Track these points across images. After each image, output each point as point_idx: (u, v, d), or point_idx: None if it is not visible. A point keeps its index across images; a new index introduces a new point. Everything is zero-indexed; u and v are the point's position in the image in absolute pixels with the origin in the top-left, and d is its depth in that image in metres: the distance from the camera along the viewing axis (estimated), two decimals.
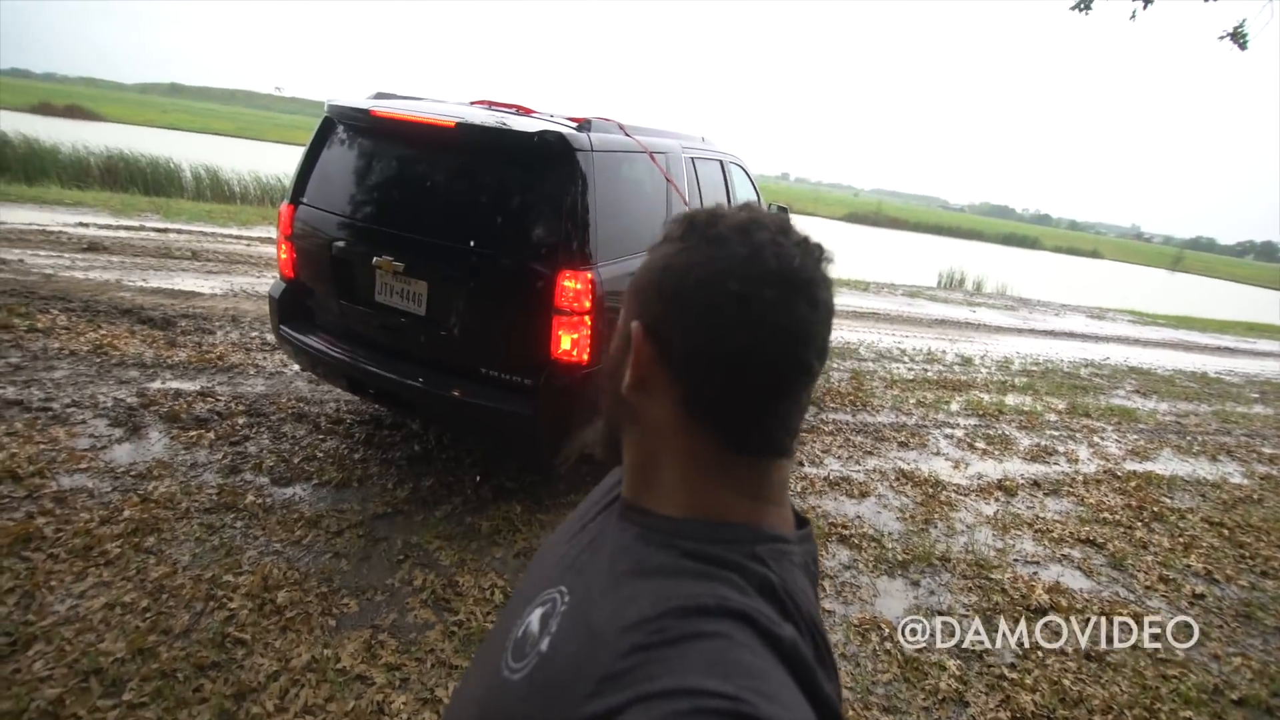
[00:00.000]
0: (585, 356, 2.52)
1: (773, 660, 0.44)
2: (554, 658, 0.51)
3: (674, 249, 0.55)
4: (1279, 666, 2.71)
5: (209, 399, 3.58)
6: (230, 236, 7.60)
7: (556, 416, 2.59)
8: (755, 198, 4.71)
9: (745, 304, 0.50)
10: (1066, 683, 2.41)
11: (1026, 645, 2.59)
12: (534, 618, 0.56)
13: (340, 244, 2.86)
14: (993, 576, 3.02)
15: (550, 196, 2.53)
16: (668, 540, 0.53)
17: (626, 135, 2.88)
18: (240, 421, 3.40)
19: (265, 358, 4.25)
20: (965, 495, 3.81)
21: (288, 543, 2.57)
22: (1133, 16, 5.99)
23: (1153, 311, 14.65)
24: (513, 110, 2.99)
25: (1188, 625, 2.88)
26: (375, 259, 2.72)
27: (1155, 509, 3.99)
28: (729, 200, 4.14)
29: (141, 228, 7.26)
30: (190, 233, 7.41)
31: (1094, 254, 62.37)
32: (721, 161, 4.11)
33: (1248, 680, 2.59)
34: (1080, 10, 6.08)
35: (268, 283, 5.86)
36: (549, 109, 3.09)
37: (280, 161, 15.05)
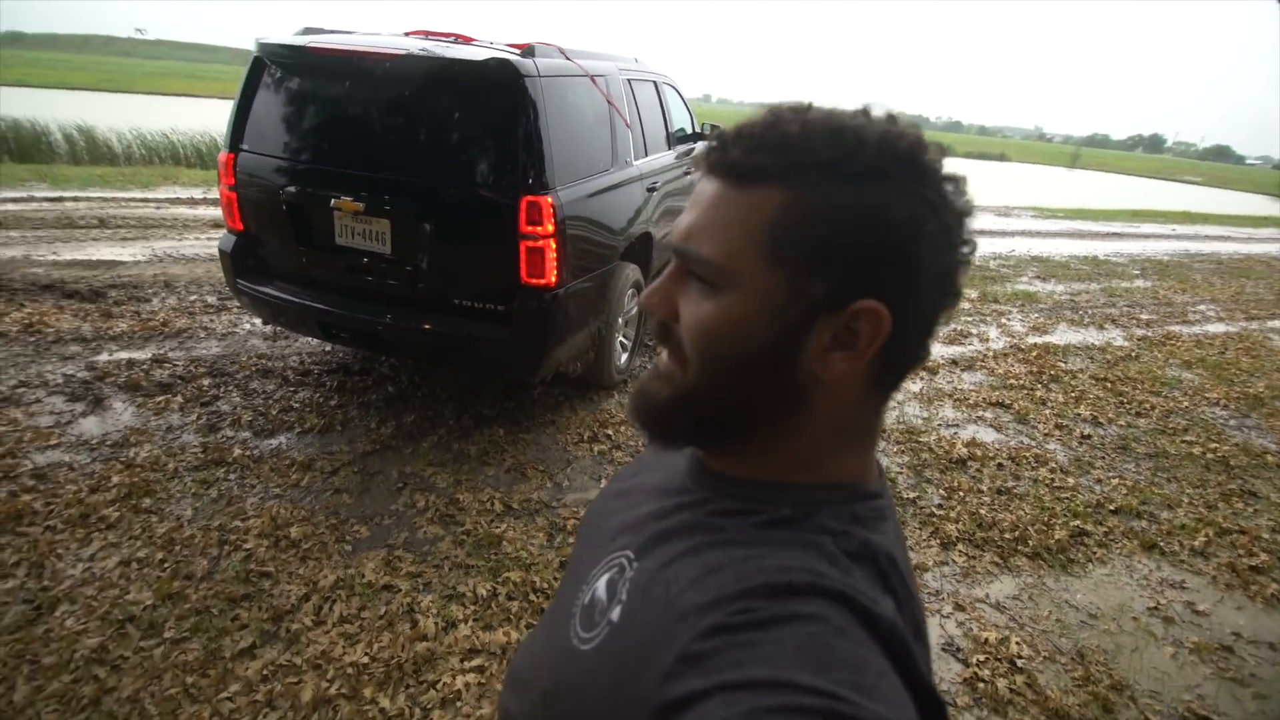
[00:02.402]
0: (554, 278, 2.69)
1: (870, 643, 0.39)
2: (627, 630, 0.47)
3: (849, 194, 0.44)
4: (1147, 483, 3.31)
5: (165, 365, 3.55)
6: (135, 200, 7.10)
7: (531, 337, 2.77)
8: (689, 117, 4.82)
9: (948, 236, 0.45)
10: (982, 512, 2.90)
11: (949, 489, 3.06)
12: (601, 583, 0.53)
13: (292, 189, 2.85)
14: (921, 439, 3.49)
15: (503, 125, 2.61)
16: (756, 506, 0.49)
17: (568, 60, 2.95)
18: (205, 383, 3.41)
19: (213, 320, 4.18)
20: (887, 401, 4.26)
21: (286, 486, 2.70)
22: None
23: (1053, 206, 15.71)
24: (451, 39, 2.98)
25: (1078, 460, 3.45)
26: (332, 201, 2.74)
27: (1052, 372, 4.59)
28: (665, 122, 4.24)
29: (30, 198, 6.68)
30: (89, 199, 6.87)
31: (1001, 157, 65.20)
32: (655, 83, 4.19)
33: (1123, 495, 3.17)
34: None
35: (191, 245, 5.62)
36: (482, 36, 3.09)
37: (163, 115, 13.74)
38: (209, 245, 5.59)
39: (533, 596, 2.23)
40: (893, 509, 0.52)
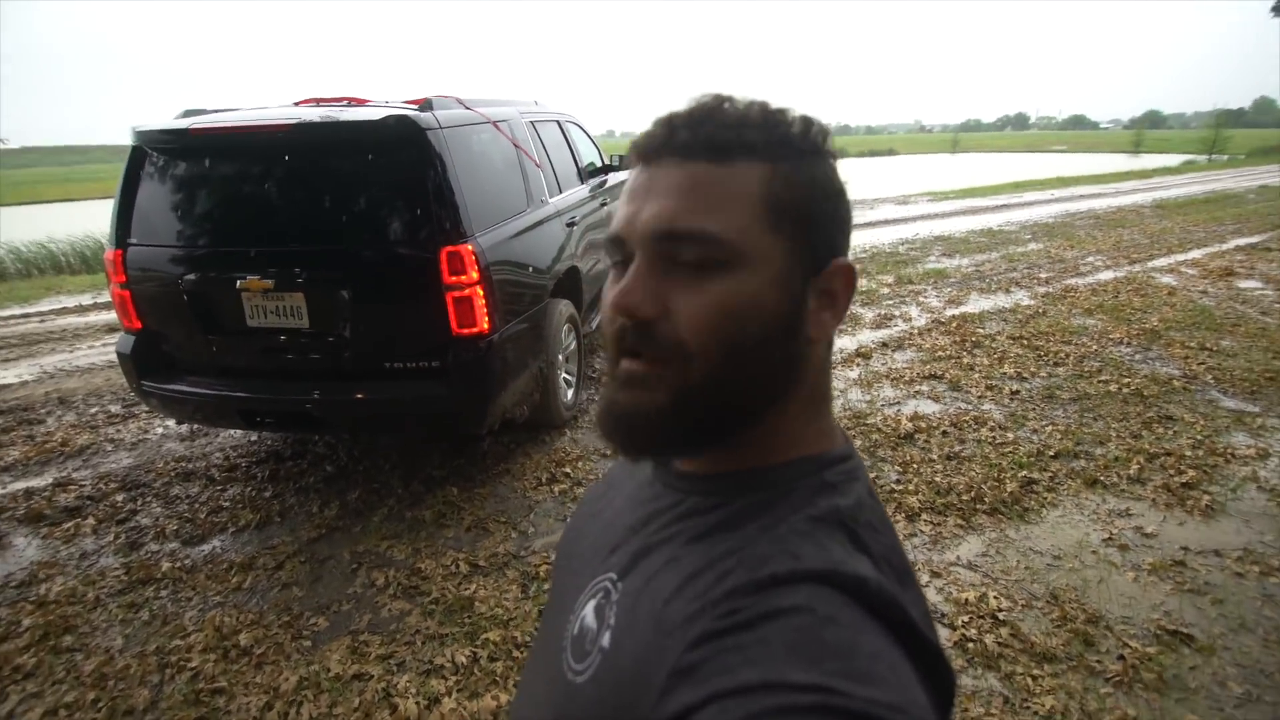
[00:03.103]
0: (486, 325, 2.65)
1: (861, 619, 0.39)
2: (619, 654, 0.46)
3: (809, 166, 0.48)
4: (1077, 425, 3.51)
5: (70, 487, 3.26)
6: (15, 317, 6.57)
7: (472, 388, 2.70)
8: (596, 151, 4.91)
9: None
10: (938, 480, 3.00)
11: (904, 463, 3.15)
12: (588, 611, 0.51)
13: (192, 277, 2.71)
14: (869, 422, 3.59)
15: (411, 180, 2.58)
16: (731, 498, 0.49)
17: (468, 109, 2.95)
18: (119, 499, 3.15)
19: (119, 430, 3.88)
20: (833, 368, 4.39)
21: (227, 591, 2.50)
22: None
23: (944, 190, 16.81)
24: (345, 103, 2.94)
25: (1012, 415, 3.63)
26: (239, 282, 2.63)
27: (974, 339, 4.84)
28: (574, 158, 4.30)
29: None
30: None
31: (890, 152, 69.57)
32: (559, 121, 4.25)
33: (1059, 440, 3.34)
34: None
35: (85, 355, 5.23)
36: (378, 98, 3.06)
37: (38, 224, 12.91)
38: (105, 351, 5.23)
39: (516, 654, 2.13)
40: (861, 465, 0.52)
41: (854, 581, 0.41)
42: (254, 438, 3.68)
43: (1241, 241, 8.66)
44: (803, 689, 0.35)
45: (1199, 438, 3.34)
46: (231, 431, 3.70)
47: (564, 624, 0.54)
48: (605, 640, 0.47)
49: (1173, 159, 33.49)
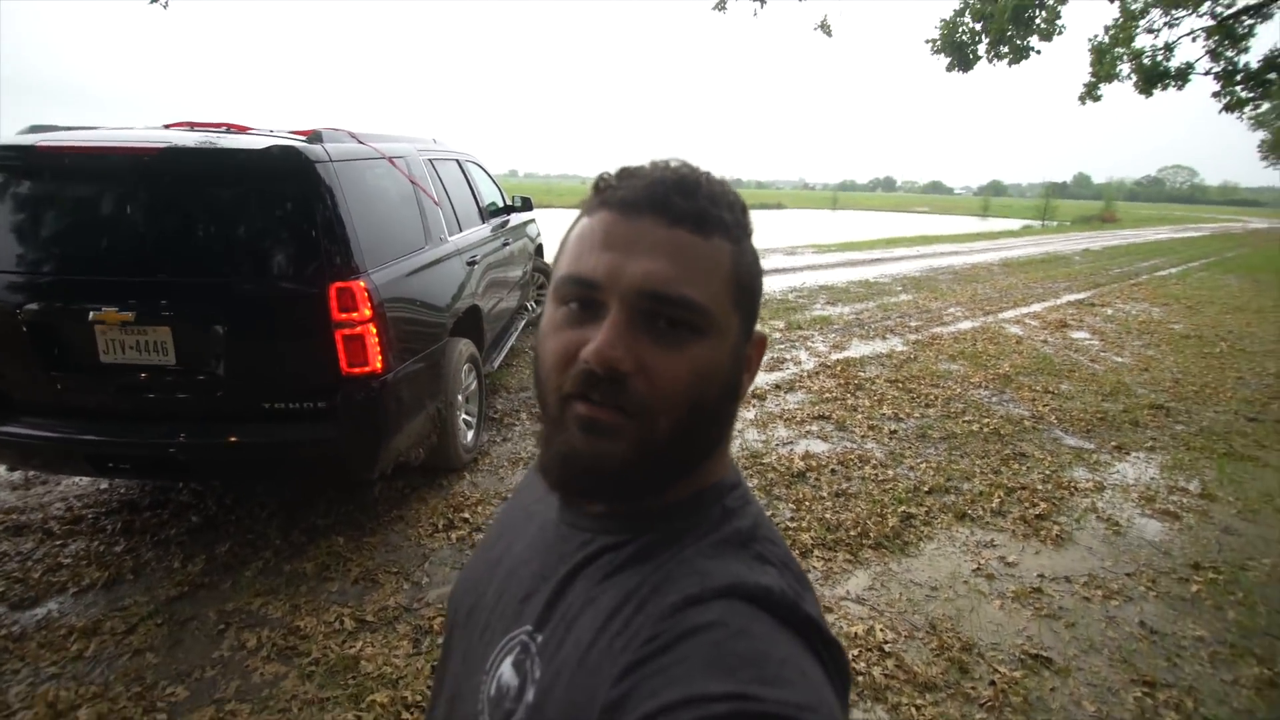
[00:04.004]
0: (379, 364, 2.53)
1: (771, 626, 0.42)
2: (547, 706, 0.45)
3: (750, 248, 0.53)
4: (947, 462, 3.84)
5: None
6: None
7: (363, 430, 2.55)
8: (497, 191, 4.89)
9: None
10: (828, 516, 3.16)
11: (797, 501, 3.30)
12: (505, 668, 0.50)
13: (34, 307, 2.41)
14: (765, 461, 3.73)
15: (298, 213, 2.45)
16: (640, 533, 0.51)
17: (360, 143, 2.87)
18: None
19: None
20: None
21: (65, 660, 2.17)
22: (755, 14, 7.99)
23: (826, 243, 18.11)
24: (223, 129, 2.76)
25: (892, 453, 3.91)
26: (92, 314, 2.36)
27: (856, 382, 5.20)
28: (475, 197, 4.26)
29: None
30: None
31: (779, 205, 74.54)
32: (458, 160, 4.21)
33: (932, 476, 3.64)
34: (719, 9, 7.96)
35: None
36: (261, 126, 2.91)
37: None
38: None
39: (405, 715, 1.99)
40: (749, 490, 0.57)
41: (760, 591, 0.44)
42: (104, 485, 3.26)
43: (1072, 297, 9.96)
44: (720, 698, 0.37)
45: (1047, 472, 3.74)
46: (75, 479, 3.27)
47: (477, 685, 0.52)
48: (530, 695, 0.47)
49: (1014, 223, 38.42)
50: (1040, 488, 3.55)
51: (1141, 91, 8.85)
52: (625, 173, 0.52)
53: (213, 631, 2.33)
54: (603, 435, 0.47)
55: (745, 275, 0.51)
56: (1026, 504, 3.37)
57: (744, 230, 0.52)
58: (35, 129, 2.71)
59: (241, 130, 2.79)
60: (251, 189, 2.47)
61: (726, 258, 0.50)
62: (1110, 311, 8.87)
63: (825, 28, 8.35)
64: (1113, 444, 4.20)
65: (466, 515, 3.08)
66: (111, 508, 3.09)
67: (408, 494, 3.25)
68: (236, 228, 2.49)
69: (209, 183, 2.47)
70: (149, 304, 2.41)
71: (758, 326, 0.54)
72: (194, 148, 2.42)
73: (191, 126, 2.86)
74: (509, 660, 0.50)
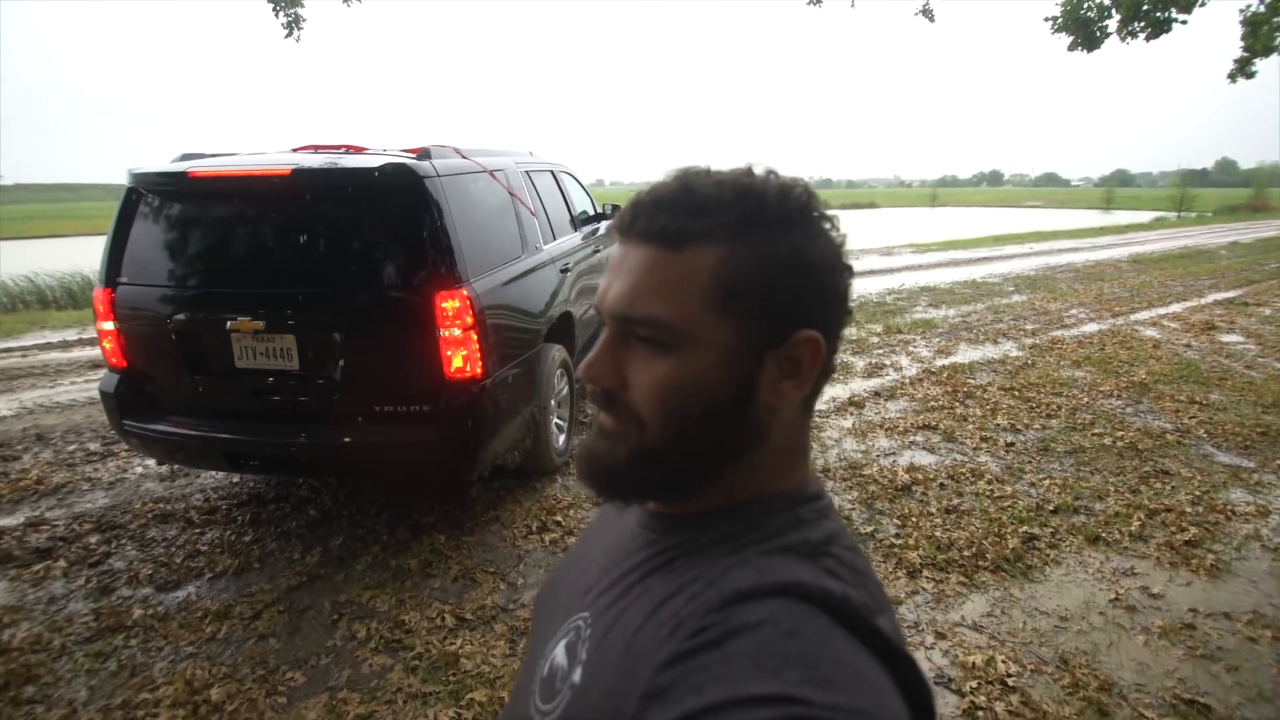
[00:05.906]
0: (479, 370, 2.61)
1: (826, 626, 0.40)
2: (590, 688, 0.47)
3: (770, 243, 0.48)
4: (1074, 478, 3.49)
5: (42, 527, 3.13)
6: None
7: (463, 433, 2.64)
8: (588, 200, 4.98)
9: (841, 264, 0.52)
10: (938, 534, 2.94)
11: (902, 516, 3.09)
12: (559, 651, 0.52)
13: (181, 317, 2.67)
14: (865, 473, 3.54)
15: (408, 226, 2.58)
16: (705, 532, 0.51)
17: (464, 158, 2.98)
18: (92, 541, 3.02)
19: (97, 468, 3.75)
20: (826, 417, 4.37)
21: (200, 641, 2.37)
22: (852, 4, 7.66)
23: (926, 241, 17.21)
24: (343, 150, 2.96)
25: (1009, 468, 3.60)
26: (229, 323, 2.59)
27: (965, 389, 4.85)
28: (568, 206, 4.36)
29: None
30: None
31: (871, 205, 71.69)
32: (553, 172, 4.32)
33: (1057, 494, 3.31)
34: (813, 4, 7.69)
35: (67, 391, 5.10)
36: (376, 145, 3.09)
37: (26, 259, 12.81)
38: (88, 389, 5.10)
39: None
40: (833, 506, 0.54)
41: (820, 593, 0.42)
42: (236, 479, 3.57)
43: (1219, 296, 8.87)
44: (765, 701, 0.36)
45: (1197, 493, 3.32)
46: (212, 473, 3.59)
47: (535, 668, 0.55)
48: (576, 676, 0.49)
49: (1144, 215, 34.69)
50: (1189, 510, 3.15)
51: None
52: (637, 195, 0.53)
53: (327, 621, 2.47)
54: (605, 439, 0.52)
55: (743, 277, 0.48)
56: (1173, 528, 3.00)
57: (752, 225, 0.48)
58: (186, 157, 3.01)
59: (359, 150, 2.97)
60: (367, 205, 2.63)
61: (706, 267, 0.48)
62: (1268, 312, 7.82)
63: (927, 12, 7.92)
64: (1278, 462, 3.68)
65: (559, 518, 3.12)
66: (241, 500, 3.37)
67: (503, 496, 3.33)
68: (353, 241, 2.65)
69: (330, 200, 2.65)
70: (277, 313, 2.60)
71: (811, 329, 0.49)
72: (318, 168, 2.60)
73: (316, 149, 3.08)
74: (563, 643, 0.53)
